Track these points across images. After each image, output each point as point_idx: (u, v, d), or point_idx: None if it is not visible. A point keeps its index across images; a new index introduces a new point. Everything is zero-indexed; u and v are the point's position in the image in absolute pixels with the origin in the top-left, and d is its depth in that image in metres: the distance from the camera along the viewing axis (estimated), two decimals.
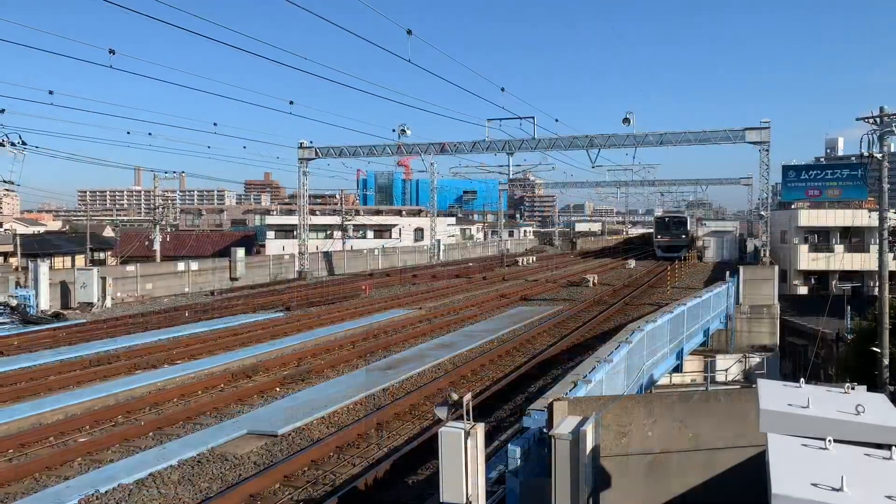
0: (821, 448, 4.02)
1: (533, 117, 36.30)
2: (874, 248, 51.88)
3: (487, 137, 38.33)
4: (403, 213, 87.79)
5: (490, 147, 38.97)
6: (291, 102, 34.12)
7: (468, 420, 6.39)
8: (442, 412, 7.21)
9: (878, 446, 4.27)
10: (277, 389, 15.31)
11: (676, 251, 56.32)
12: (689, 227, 61.83)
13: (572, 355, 18.47)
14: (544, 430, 7.36)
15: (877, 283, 51.48)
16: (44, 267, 29.38)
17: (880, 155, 25.80)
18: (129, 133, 44.91)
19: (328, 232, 69.95)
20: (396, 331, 23.12)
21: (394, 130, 40.29)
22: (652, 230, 72.96)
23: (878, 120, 25.99)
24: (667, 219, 63.54)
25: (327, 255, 51.14)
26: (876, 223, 30.44)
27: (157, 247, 48.42)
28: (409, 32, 22.48)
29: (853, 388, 5.01)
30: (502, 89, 32.48)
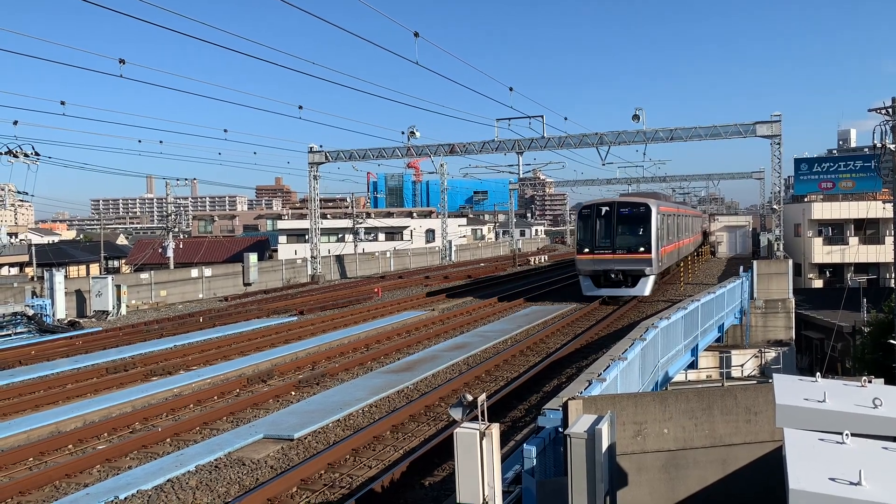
0: (838, 442, 4.00)
1: (542, 116, 36.23)
2: (889, 240, 51.59)
3: (497, 137, 38.30)
4: (414, 214, 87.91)
5: (500, 147, 38.94)
6: (301, 107, 34.13)
7: (483, 420, 6.40)
8: (457, 413, 7.22)
9: None
10: (293, 393, 15.37)
11: (626, 284, 27.45)
12: (656, 228, 27.52)
13: (586, 354, 18.42)
14: (559, 430, 7.36)
15: (893, 275, 51.19)
16: (59, 276, 29.62)
17: (893, 146, 25.60)
18: (140, 141, 45.58)
19: (340, 235, 70.19)
20: (410, 332, 23.15)
21: (403, 132, 40.38)
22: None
23: (890, 110, 25.79)
24: (604, 210, 27.73)
25: (339, 259, 51.27)
26: (890, 214, 30.18)
27: (170, 254, 48.71)
28: (416, 35, 22.51)
29: (870, 382, 4.98)
30: (511, 89, 32.47)
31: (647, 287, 27.14)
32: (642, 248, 26.78)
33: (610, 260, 26.97)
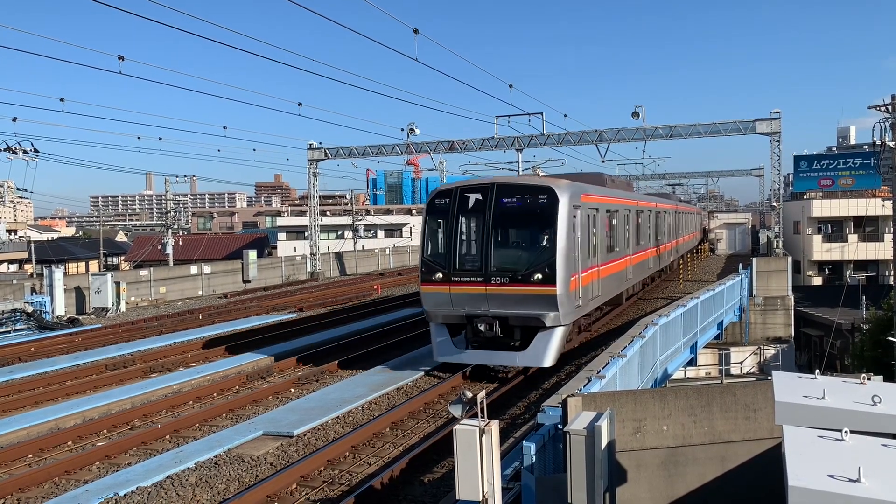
0: (837, 439, 4.01)
1: (542, 113, 36.18)
2: (888, 237, 51.61)
3: (496, 134, 38.27)
4: (414, 211, 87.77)
5: (499, 144, 38.91)
6: (300, 104, 34.01)
7: (483, 417, 6.40)
8: (456, 410, 7.22)
9: (895, 437, 4.26)
10: (292, 390, 15.37)
11: (510, 342, 15.04)
12: (569, 235, 14.84)
13: (585, 351, 18.43)
14: (559, 427, 7.37)
15: (892, 273, 51.18)
16: (58, 273, 29.61)
17: (893, 143, 25.61)
18: (139, 138, 45.81)
19: (339, 232, 70.17)
20: (409, 329, 23.13)
21: (402, 129, 40.33)
22: None
23: (890, 108, 25.79)
24: (472, 200, 15.12)
25: (339, 256, 51.27)
26: (890, 212, 30.21)
27: (169, 250, 48.71)
28: (416, 31, 22.46)
29: (869, 379, 4.99)
30: (510, 86, 32.40)
31: (548, 350, 14.61)
32: (539, 275, 14.36)
33: (480, 296, 14.69)
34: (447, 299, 15.02)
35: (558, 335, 14.80)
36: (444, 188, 15.77)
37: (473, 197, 15.12)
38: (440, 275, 15.01)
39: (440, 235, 15.46)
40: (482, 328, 14.72)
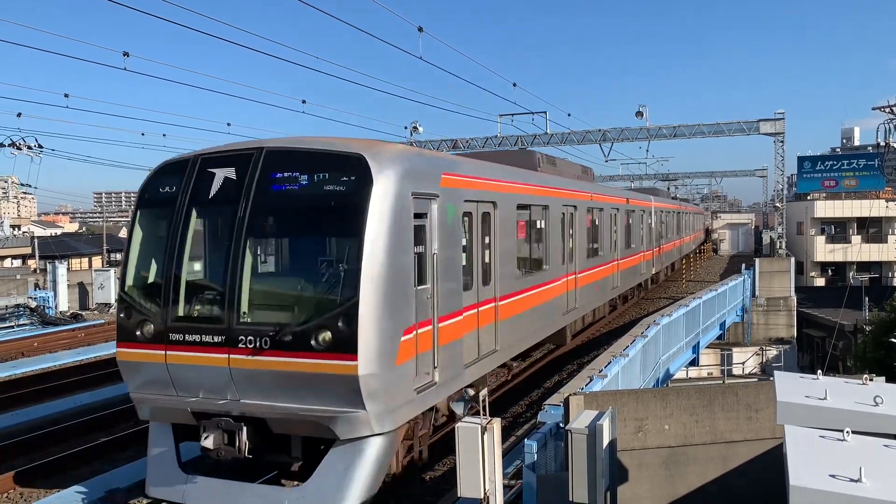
0: (839, 439, 4.02)
1: (545, 112, 36.21)
2: (892, 239, 51.58)
3: (500, 133, 38.29)
4: None
5: (503, 143, 38.90)
6: (304, 101, 34.02)
7: (485, 415, 6.42)
8: (459, 408, 7.25)
9: None
10: None
11: (282, 461, 8.26)
12: (392, 245, 7.46)
13: (587, 350, 18.44)
14: (560, 425, 7.38)
15: (895, 274, 51.18)
16: (61, 269, 29.72)
17: None
18: (143, 134, 46.14)
19: None
20: None
21: (406, 127, 40.39)
22: None
23: (894, 109, 25.77)
24: (217, 183, 7.98)
25: None
26: (893, 213, 30.17)
27: None
28: (421, 30, 22.45)
29: (871, 380, 5.01)
30: (514, 84, 32.42)
31: (347, 483, 7.36)
32: (327, 333, 7.22)
33: (219, 372, 7.66)
34: (163, 375, 8.04)
35: (372, 454, 7.57)
36: (173, 160, 8.73)
37: (222, 175, 8.14)
38: (150, 327, 8.15)
39: (155, 250, 8.54)
40: (211, 442, 7.53)
